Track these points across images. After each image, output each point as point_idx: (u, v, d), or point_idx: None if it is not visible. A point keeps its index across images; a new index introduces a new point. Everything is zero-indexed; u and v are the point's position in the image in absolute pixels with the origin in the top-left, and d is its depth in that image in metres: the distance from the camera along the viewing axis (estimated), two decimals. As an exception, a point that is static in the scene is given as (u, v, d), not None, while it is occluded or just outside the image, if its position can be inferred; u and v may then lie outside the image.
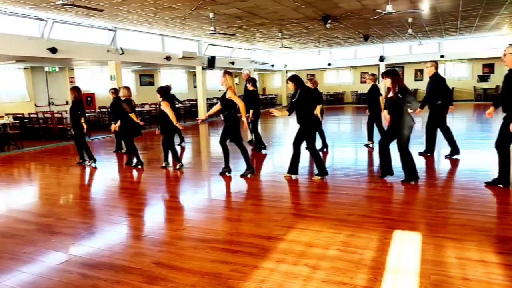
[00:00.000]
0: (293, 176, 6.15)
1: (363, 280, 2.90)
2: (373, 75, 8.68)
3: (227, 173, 6.55)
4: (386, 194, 5.27)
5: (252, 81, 8.65)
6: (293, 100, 5.92)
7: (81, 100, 7.73)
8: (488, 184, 5.21)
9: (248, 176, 6.36)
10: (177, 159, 7.31)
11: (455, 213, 4.30)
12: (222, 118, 6.37)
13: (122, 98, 7.68)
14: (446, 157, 7.20)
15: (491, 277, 2.89)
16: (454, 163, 6.90)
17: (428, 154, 7.36)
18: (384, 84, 5.92)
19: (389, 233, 3.77)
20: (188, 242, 3.82)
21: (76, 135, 7.80)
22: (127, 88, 7.82)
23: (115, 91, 8.77)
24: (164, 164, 7.39)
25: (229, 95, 6.11)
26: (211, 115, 7.09)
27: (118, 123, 7.87)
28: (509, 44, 17.53)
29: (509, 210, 4.47)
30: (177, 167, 7.25)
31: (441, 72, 7.77)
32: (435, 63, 7.08)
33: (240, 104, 6.15)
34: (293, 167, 6.09)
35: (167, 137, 7.25)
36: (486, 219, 4.11)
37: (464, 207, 4.48)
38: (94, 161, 7.89)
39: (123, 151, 9.00)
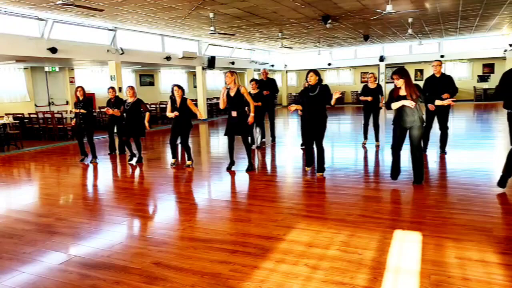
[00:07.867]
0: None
1: (363, 280, 2.90)
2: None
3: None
4: (386, 194, 5.26)
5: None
6: None
7: None
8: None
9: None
10: (189, 157, 7.34)
11: (455, 213, 4.29)
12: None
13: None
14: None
15: (491, 277, 2.89)
16: (455, 163, 6.90)
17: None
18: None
19: (389, 233, 3.77)
20: (187, 242, 3.82)
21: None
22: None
23: (113, 90, 9.09)
24: (188, 163, 7.32)
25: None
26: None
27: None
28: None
29: (509, 210, 4.46)
30: (190, 164, 7.32)
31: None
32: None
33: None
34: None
35: (185, 136, 7.27)
36: (486, 219, 4.11)
37: (464, 207, 4.47)
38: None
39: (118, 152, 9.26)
